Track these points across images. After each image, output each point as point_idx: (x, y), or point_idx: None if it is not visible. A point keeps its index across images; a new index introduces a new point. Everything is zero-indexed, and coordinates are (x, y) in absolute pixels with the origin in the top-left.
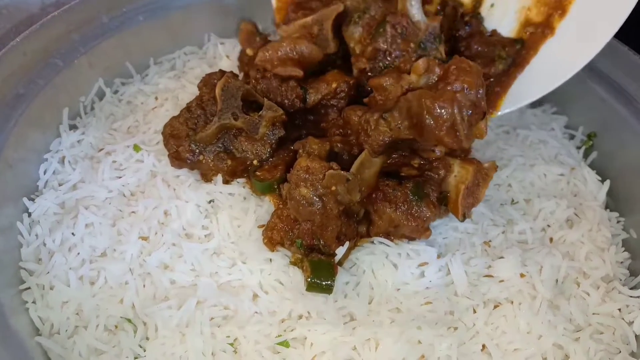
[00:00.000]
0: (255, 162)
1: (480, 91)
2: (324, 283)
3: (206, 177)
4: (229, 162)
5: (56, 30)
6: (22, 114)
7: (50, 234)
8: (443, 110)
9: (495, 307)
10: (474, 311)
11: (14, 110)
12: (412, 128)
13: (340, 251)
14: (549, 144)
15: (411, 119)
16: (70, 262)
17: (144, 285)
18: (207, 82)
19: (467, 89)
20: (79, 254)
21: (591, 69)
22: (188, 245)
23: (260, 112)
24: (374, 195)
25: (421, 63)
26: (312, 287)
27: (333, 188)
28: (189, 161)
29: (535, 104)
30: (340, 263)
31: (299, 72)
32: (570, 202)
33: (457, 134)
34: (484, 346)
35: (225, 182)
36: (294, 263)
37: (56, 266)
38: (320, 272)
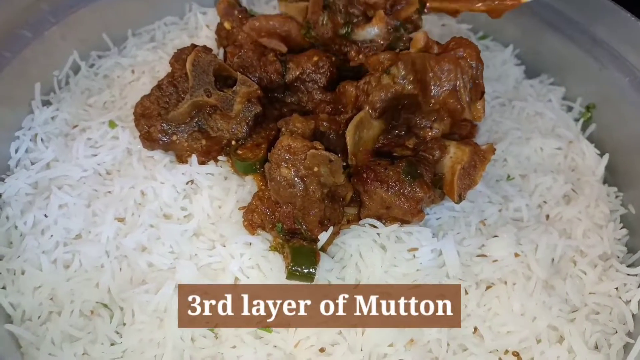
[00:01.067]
0: (233, 142)
1: (480, 68)
2: (305, 271)
3: (181, 159)
4: (204, 141)
5: None
6: None
7: (21, 215)
8: (447, 71)
9: (487, 288)
10: (466, 292)
11: None
12: (416, 83)
13: (323, 237)
14: (546, 116)
15: (415, 74)
16: (43, 245)
17: (120, 269)
18: (179, 58)
19: (468, 59)
20: (52, 236)
21: (590, 37)
22: (166, 227)
23: (234, 88)
24: (364, 175)
25: (421, 36)
26: (292, 275)
27: (315, 169)
28: (161, 142)
29: (532, 75)
30: (323, 249)
31: (283, 47)
32: (568, 177)
33: (460, 98)
34: (475, 329)
35: (201, 162)
36: (274, 248)
37: (28, 249)
38: (302, 259)
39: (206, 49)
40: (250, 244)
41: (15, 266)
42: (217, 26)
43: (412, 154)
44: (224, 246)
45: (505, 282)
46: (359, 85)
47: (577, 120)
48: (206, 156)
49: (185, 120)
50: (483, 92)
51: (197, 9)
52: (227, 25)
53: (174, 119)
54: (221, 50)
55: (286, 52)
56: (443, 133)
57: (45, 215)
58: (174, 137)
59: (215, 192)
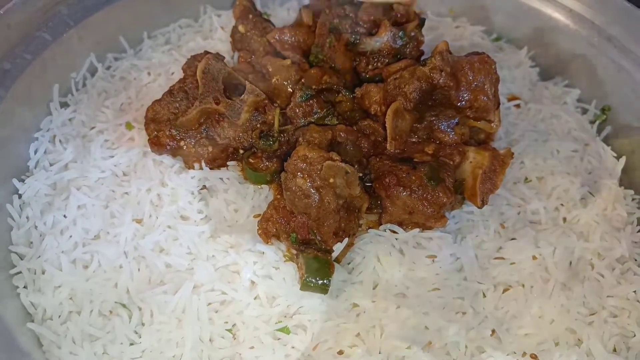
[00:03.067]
0: (241, 150)
1: (497, 79)
2: (319, 282)
3: (188, 164)
4: (210, 148)
5: (42, 1)
6: (8, 90)
7: (41, 216)
8: (477, 70)
9: (505, 290)
10: (484, 295)
11: None
12: (451, 76)
13: (337, 248)
14: (562, 119)
15: (450, 68)
16: (62, 245)
17: (138, 269)
18: (192, 64)
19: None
20: (71, 236)
21: (604, 36)
22: (184, 228)
23: (242, 96)
24: (387, 180)
25: (443, 45)
26: (306, 286)
27: (331, 180)
28: (168, 147)
29: (546, 77)
30: (337, 260)
31: (305, 65)
32: (585, 180)
33: (487, 95)
34: (493, 331)
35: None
36: (289, 258)
37: (48, 249)
38: (316, 270)
39: (217, 57)
40: (263, 253)
41: (35, 266)
42: (232, 29)
43: (432, 160)
44: (238, 254)
45: (523, 285)
46: (387, 84)
47: (592, 122)
48: (212, 163)
49: (194, 126)
50: (499, 104)
51: (211, 11)
52: (241, 28)
53: (182, 125)
54: (236, 54)
55: (307, 68)
56: (463, 139)
57: (65, 216)
58: (182, 143)
59: (231, 196)
